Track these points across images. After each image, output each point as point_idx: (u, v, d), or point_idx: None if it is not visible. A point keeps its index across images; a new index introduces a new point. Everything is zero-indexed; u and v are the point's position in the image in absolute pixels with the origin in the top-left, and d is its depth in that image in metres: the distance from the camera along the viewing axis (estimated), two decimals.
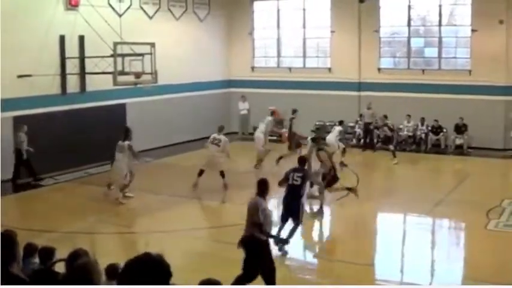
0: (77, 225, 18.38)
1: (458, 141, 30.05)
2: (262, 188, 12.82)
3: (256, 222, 12.44)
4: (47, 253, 9.64)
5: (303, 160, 17.20)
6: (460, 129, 29.95)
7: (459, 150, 29.76)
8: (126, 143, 21.47)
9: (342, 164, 25.38)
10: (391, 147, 28.00)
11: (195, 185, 22.61)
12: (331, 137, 26.27)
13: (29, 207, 21.68)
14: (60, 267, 8.68)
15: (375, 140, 30.88)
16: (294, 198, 16.01)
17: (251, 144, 29.15)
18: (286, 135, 28.35)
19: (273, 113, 28.32)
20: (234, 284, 12.16)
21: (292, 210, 16.09)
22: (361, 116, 31.84)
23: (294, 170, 16.51)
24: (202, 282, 6.01)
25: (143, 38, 26.63)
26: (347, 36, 33.10)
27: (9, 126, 24.13)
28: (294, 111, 28.13)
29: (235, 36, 36.51)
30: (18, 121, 24.15)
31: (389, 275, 14.93)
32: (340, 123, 27.80)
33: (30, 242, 10.28)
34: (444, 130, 30.45)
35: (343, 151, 26.39)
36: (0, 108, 23.54)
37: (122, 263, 7.17)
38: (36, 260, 9.73)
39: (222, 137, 23.61)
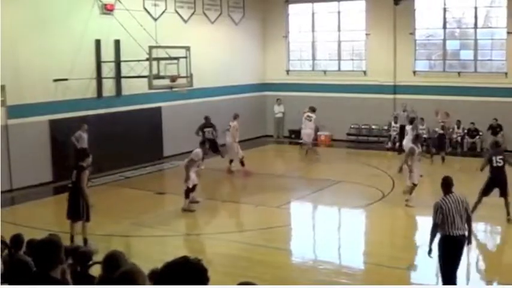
0: (112, 227, 18.48)
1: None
2: (451, 183, 12.65)
3: (470, 217, 12.47)
4: (82, 255, 9.70)
5: (498, 144, 20.19)
6: (495, 129, 29.65)
7: None
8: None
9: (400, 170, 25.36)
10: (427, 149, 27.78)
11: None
12: (407, 142, 25.89)
13: (66, 210, 21.83)
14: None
15: None
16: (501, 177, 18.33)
17: (286, 147, 29.26)
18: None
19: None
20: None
21: (502, 188, 18.44)
22: (395, 118, 31.65)
23: (495, 154, 18.61)
24: (239, 285, 6.02)
25: (178, 41, 26.72)
26: (382, 39, 32.97)
27: (45, 129, 24.35)
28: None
29: (270, 39, 36.55)
30: (54, 124, 24.42)
31: (426, 278, 14.85)
32: (411, 121, 27.37)
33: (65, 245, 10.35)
34: (480, 133, 30.23)
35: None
36: (37, 112, 23.84)
37: (151, 267, 7.25)
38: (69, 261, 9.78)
39: (233, 123, 25.86)
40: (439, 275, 15.09)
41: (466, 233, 12.31)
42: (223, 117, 26.63)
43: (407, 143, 25.85)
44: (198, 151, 20.86)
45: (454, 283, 12.40)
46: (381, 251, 16.63)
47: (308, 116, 30.12)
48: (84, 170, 16.76)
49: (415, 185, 20.65)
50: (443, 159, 27.46)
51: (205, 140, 24.08)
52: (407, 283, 14.25)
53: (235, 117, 26.39)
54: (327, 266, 15.55)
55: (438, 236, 12.35)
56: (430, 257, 12.50)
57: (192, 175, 20.51)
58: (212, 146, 25.47)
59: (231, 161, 26.17)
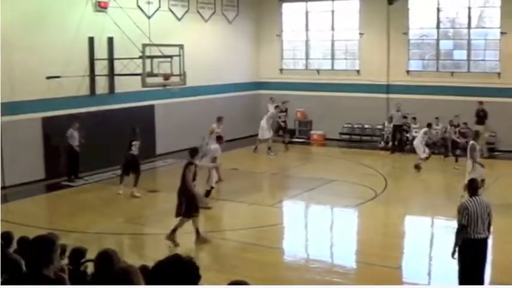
0: (104, 225, 18.47)
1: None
2: (477, 186, 12.39)
3: (490, 223, 12.19)
4: (76, 253, 9.69)
5: None
6: (481, 118, 29.36)
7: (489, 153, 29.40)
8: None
9: (417, 168, 25.65)
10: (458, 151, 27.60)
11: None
12: (417, 141, 26.28)
13: (58, 207, 21.82)
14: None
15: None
16: None
17: (279, 146, 29.24)
18: None
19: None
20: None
21: None
22: (390, 118, 31.67)
23: None
24: (231, 284, 6.02)
25: (172, 39, 26.74)
26: (376, 38, 33.02)
27: (38, 127, 24.31)
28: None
29: (263, 38, 36.55)
30: (47, 121, 24.41)
31: (418, 278, 14.87)
32: (429, 125, 27.48)
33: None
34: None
35: (427, 157, 26.03)
36: (29, 109, 23.80)
37: (141, 264, 7.24)
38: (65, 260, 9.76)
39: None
40: (432, 274, 15.22)
41: (487, 237, 12.09)
42: (216, 115, 26.49)
43: (416, 144, 25.88)
44: (217, 147, 20.89)
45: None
46: (372, 250, 16.64)
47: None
48: (189, 166, 16.75)
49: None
50: (456, 159, 27.28)
51: (129, 155, 22.37)
52: (399, 282, 14.26)
53: (218, 119, 25.43)
54: (319, 265, 15.57)
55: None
56: (454, 258, 12.32)
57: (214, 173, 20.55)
58: (133, 165, 22.65)
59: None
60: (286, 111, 32.60)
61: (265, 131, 30.28)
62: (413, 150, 27.90)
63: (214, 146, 20.95)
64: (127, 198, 21.91)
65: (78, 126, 24.18)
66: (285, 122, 32.58)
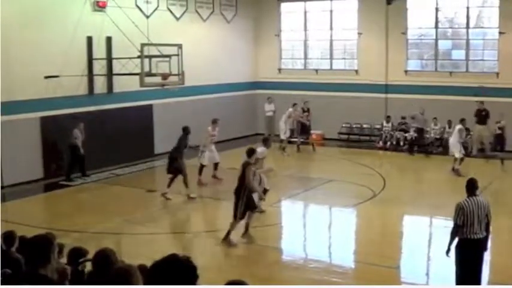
0: (103, 225, 18.44)
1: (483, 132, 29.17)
2: (476, 185, 12.19)
3: (489, 223, 12.13)
4: (74, 253, 9.68)
5: None
6: (483, 118, 29.07)
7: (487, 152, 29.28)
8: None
9: (457, 172, 24.82)
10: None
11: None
12: (453, 140, 25.51)
13: (57, 207, 21.79)
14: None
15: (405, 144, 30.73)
16: None
17: (277, 146, 29.24)
18: None
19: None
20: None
21: None
22: (388, 118, 31.63)
23: None
24: (229, 283, 6.01)
25: (170, 39, 26.71)
26: (374, 38, 33.01)
27: (36, 126, 24.29)
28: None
29: (262, 37, 36.55)
30: (45, 121, 24.37)
31: (416, 278, 14.86)
32: (461, 121, 26.06)
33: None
34: (471, 133, 30.08)
35: (461, 159, 25.21)
36: (28, 109, 23.78)
37: (141, 264, 7.22)
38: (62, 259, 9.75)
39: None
40: (430, 274, 15.21)
41: (484, 237, 12.04)
42: (215, 115, 26.45)
43: (453, 143, 25.49)
44: (263, 149, 20.07)
45: None
46: (371, 250, 16.63)
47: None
48: (249, 165, 16.75)
49: None
50: (502, 161, 26.71)
51: (180, 157, 22.11)
52: (397, 282, 14.25)
53: (213, 121, 24.89)
54: (317, 265, 15.54)
55: (456, 239, 12.18)
56: (448, 256, 12.28)
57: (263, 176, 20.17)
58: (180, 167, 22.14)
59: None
60: (308, 111, 32.37)
61: (282, 132, 30.64)
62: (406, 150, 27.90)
63: (261, 149, 20.36)
64: (124, 198, 21.91)
65: (82, 127, 24.22)
66: (309, 121, 32.52)
